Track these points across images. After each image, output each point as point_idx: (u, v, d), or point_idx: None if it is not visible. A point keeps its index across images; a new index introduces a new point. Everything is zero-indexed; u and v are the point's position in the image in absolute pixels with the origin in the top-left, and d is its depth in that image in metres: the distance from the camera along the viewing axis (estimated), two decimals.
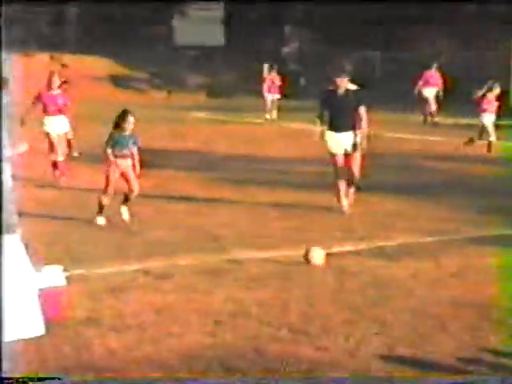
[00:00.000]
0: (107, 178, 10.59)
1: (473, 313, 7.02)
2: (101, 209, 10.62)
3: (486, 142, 18.05)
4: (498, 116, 18.60)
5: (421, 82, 24.62)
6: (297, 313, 7.09)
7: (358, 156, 11.25)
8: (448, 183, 13.86)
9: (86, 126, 18.44)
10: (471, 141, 18.21)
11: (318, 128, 11.53)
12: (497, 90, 18.23)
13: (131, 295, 7.57)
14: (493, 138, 18.00)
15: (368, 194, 12.38)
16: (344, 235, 10.03)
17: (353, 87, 11.27)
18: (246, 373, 5.77)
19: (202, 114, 28.19)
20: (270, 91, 26.21)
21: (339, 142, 11.24)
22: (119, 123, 10.53)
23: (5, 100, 9.93)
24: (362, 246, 9.46)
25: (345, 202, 11.28)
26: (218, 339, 6.46)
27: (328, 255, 8.92)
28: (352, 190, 11.43)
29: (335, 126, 11.25)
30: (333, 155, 11.32)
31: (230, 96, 34.76)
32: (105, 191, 10.58)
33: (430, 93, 24.47)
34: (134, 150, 10.59)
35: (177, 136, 20.99)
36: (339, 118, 11.19)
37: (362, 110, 11.16)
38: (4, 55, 10.77)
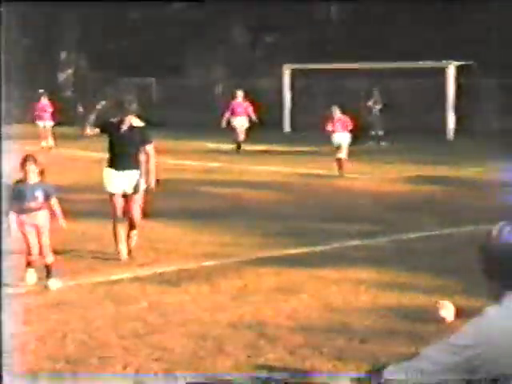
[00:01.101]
0: (23, 237, 8.97)
1: (250, 333, 7.20)
2: (29, 264, 9.08)
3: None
4: (355, 135, 19.17)
5: (228, 113, 23.92)
6: (76, 344, 6.98)
7: (139, 197, 10.37)
8: (229, 208, 14.14)
9: None
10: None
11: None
12: (337, 112, 18.87)
13: None
14: (343, 155, 18.44)
15: (149, 219, 12.42)
16: (124, 262, 10.00)
17: (139, 123, 10.52)
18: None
19: None
20: (41, 118, 25.71)
21: (119, 182, 10.28)
22: (21, 172, 8.98)
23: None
24: (143, 272, 9.47)
25: (123, 250, 10.27)
26: None
27: (108, 283, 8.87)
28: (134, 232, 10.51)
29: (116, 164, 10.30)
30: (111, 195, 10.36)
31: (6, 123, 33.76)
32: (27, 252, 9.02)
33: (238, 122, 23.78)
34: (53, 201, 9.00)
35: None
36: (122, 155, 10.28)
37: (150, 148, 10.32)
38: None
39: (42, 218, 8.95)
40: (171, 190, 16.09)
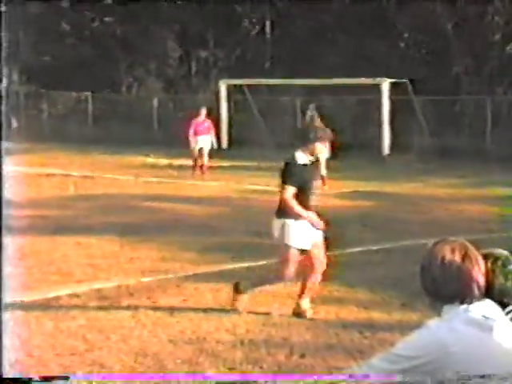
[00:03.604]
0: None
1: (191, 349, 7.20)
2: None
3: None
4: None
5: (191, 132, 21.79)
6: (10, 363, 6.88)
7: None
8: (167, 223, 14.07)
9: None
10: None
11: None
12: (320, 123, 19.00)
13: None
14: (325, 170, 18.23)
15: (85, 235, 12.37)
16: (61, 279, 9.90)
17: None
18: None
19: None
20: None
21: (308, 233, 8.08)
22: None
23: None
24: (81, 288, 9.38)
25: None
26: None
27: (45, 300, 8.78)
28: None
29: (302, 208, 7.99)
30: (294, 253, 8.09)
31: None
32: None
33: (201, 142, 21.64)
34: None
35: None
36: (309, 195, 8.05)
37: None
38: None
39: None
40: (108, 205, 16.01)
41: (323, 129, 8.65)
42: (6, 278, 9.72)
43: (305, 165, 7.97)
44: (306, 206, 7.93)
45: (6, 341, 7.32)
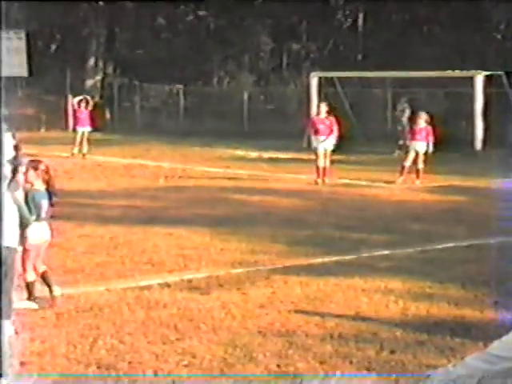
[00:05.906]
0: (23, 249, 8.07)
1: (280, 341, 7.21)
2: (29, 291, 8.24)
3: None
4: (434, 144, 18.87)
5: (311, 130, 19.45)
6: (106, 348, 7.02)
7: None
8: (256, 216, 14.11)
9: None
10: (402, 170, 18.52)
11: None
12: (424, 117, 18.80)
13: None
14: (421, 165, 18.44)
15: (176, 226, 12.51)
16: (153, 268, 10.05)
17: None
18: None
19: None
20: (80, 124, 25.54)
21: None
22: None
23: None
24: (171, 278, 9.50)
25: None
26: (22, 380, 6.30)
27: (138, 288, 8.92)
28: None
29: None
30: None
31: (34, 129, 34.01)
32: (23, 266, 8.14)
33: (320, 144, 18.79)
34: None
35: None
36: None
37: None
38: None
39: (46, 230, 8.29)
40: (198, 197, 16.16)
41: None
42: (98, 266, 9.82)
43: None
44: None
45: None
